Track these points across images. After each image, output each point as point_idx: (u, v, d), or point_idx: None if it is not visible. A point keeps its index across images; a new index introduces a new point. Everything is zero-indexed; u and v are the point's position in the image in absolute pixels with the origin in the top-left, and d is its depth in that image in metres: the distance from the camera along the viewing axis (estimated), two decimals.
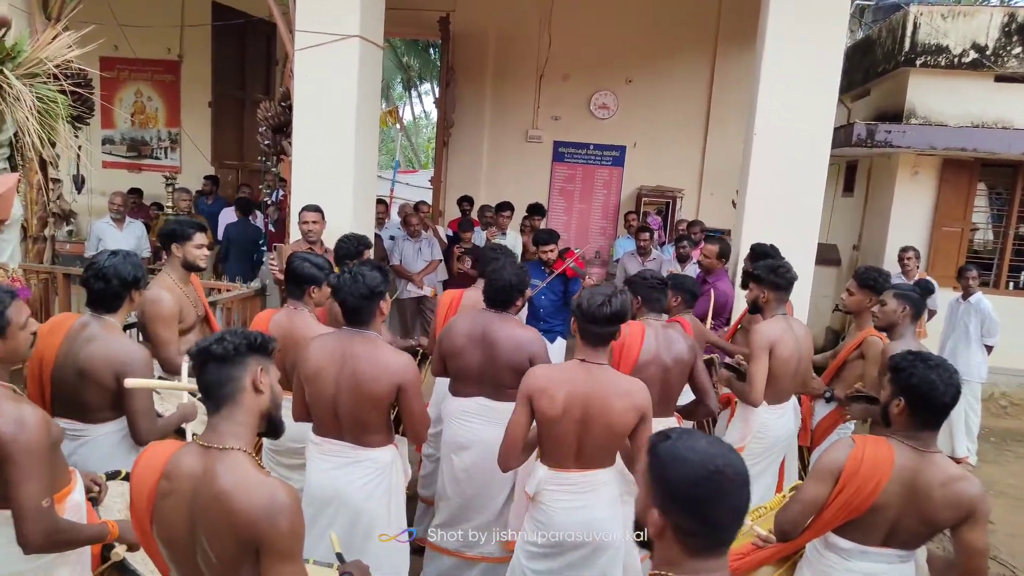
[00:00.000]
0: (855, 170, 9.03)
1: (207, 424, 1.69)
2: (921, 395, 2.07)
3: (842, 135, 7.37)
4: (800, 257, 4.59)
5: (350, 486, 2.63)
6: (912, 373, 2.09)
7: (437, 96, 9.55)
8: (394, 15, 6.06)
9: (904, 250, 6.27)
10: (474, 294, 3.79)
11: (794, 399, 3.59)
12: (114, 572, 2.20)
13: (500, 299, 3.18)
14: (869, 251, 8.32)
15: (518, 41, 8.74)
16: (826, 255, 7.67)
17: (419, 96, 24.73)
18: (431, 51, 18.57)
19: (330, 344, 2.61)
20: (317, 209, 4.61)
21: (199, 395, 1.75)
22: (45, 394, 2.59)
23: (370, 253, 4.11)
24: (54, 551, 1.98)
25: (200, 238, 3.37)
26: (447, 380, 3.39)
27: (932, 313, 6.41)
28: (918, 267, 6.31)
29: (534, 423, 2.55)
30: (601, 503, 2.54)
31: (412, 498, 4.07)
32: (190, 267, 3.38)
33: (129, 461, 2.62)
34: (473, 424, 3.14)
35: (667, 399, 3.18)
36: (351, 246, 4.03)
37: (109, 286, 2.58)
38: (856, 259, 8.57)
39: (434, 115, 9.67)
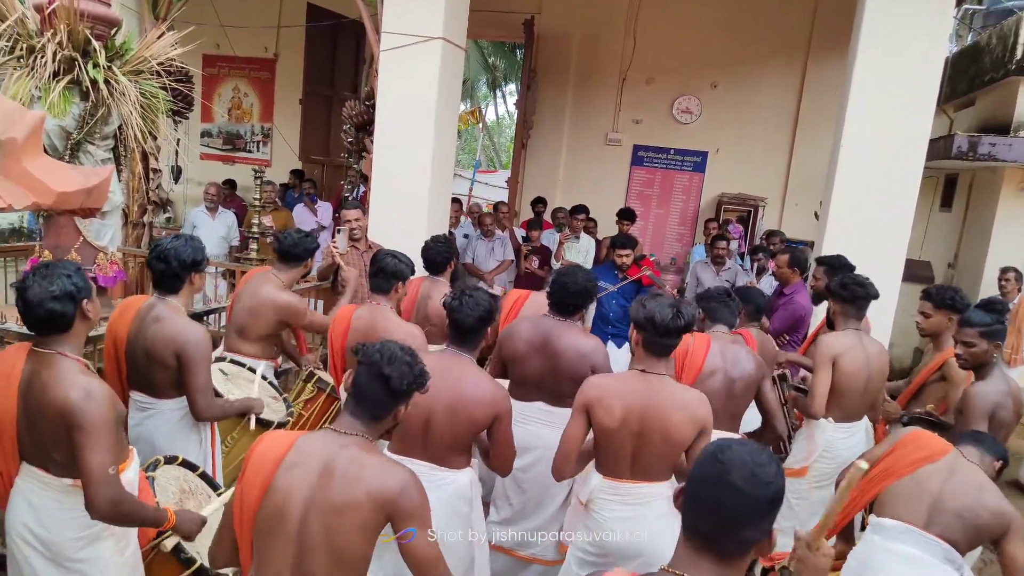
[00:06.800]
0: (955, 184, 8.52)
1: (341, 414, 1.85)
2: None
3: (941, 147, 6.98)
4: (886, 274, 4.39)
5: None
6: None
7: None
8: (479, 17, 6.13)
9: (1004, 271, 5.89)
10: (539, 298, 3.79)
11: (867, 423, 3.43)
12: (166, 554, 2.28)
13: (568, 304, 3.14)
14: (966, 270, 7.84)
15: (602, 44, 8.68)
16: (918, 272, 7.27)
17: (503, 96, 24.88)
18: (516, 52, 18.67)
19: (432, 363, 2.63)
20: (357, 207, 4.86)
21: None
22: (121, 371, 2.76)
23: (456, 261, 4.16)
24: (118, 521, 2.09)
25: None
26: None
27: None
28: (1019, 289, 5.91)
29: (590, 433, 2.53)
30: (652, 515, 2.50)
31: None
32: (305, 275, 3.75)
33: (190, 438, 2.78)
34: (533, 427, 3.13)
35: (733, 413, 3.09)
36: (441, 250, 4.03)
37: (169, 267, 2.71)
38: (951, 278, 8.10)
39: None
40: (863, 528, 3.20)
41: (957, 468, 2.27)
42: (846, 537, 2.58)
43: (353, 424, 1.81)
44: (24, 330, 3.07)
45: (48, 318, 2.05)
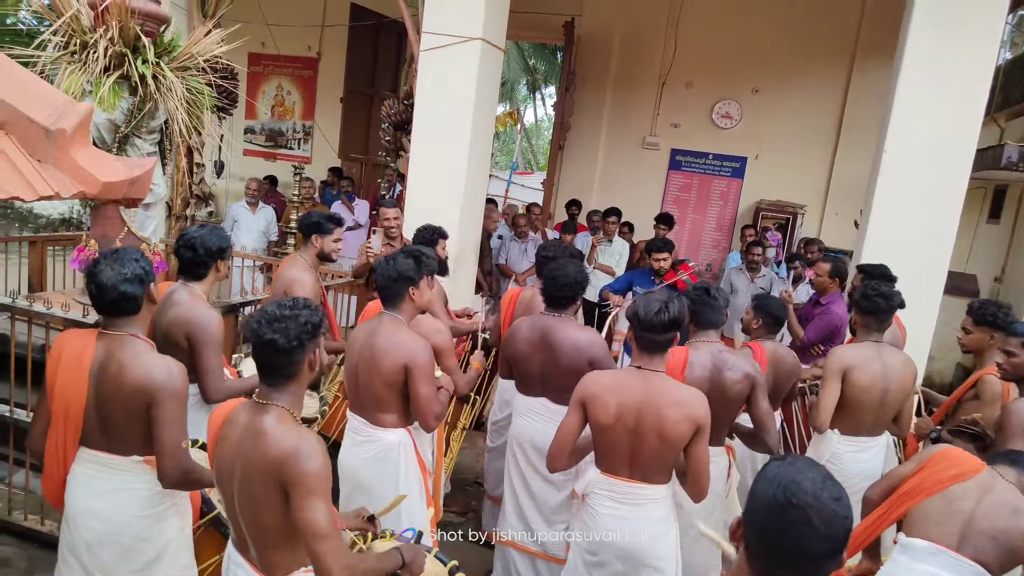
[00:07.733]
0: (1003, 195, 8.27)
1: (259, 386, 1.85)
2: None
3: (990, 157, 6.79)
4: (927, 286, 4.29)
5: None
6: None
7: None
8: (520, 18, 6.15)
9: None
10: (528, 293, 3.89)
11: (889, 440, 3.33)
12: (211, 527, 2.38)
13: (561, 296, 3.14)
14: (1013, 284, 7.61)
15: (642, 47, 8.64)
16: (961, 285, 7.08)
17: (543, 99, 24.91)
18: (557, 55, 18.66)
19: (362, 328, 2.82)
20: (395, 205, 4.96)
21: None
22: None
23: (446, 243, 4.20)
24: (185, 488, 2.21)
25: (338, 233, 3.69)
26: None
27: None
28: None
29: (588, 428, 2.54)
30: (648, 519, 2.47)
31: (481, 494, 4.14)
32: (324, 258, 3.68)
33: (202, 423, 2.84)
34: (538, 423, 3.16)
35: (717, 428, 2.90)
36: (427, 235, 4.13)
37: (196, 255, 2.79)
38: (998, 292, 7.86)
39: None
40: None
41: (992, 488, 2.19)
42: (872, 556, 2.52)
43: (267, 393, 1.81)
44: (69, 316, 3.18)
45: (120, 300, 2.13)
